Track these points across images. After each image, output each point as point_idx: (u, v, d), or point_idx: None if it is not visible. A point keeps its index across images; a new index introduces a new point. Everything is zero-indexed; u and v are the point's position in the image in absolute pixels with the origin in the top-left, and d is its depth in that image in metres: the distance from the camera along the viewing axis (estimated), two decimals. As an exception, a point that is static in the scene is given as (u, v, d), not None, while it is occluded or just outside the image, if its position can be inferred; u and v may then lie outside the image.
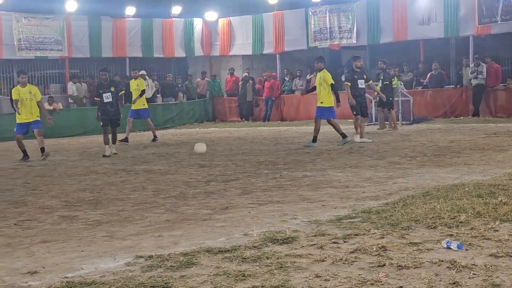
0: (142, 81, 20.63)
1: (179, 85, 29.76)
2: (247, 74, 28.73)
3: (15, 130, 15.81)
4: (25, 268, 5.60)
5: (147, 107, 20.72)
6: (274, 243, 6.03)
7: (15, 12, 25.72)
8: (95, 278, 5.11)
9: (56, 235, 6.97)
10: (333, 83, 16.29)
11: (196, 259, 5.58)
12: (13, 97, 15.64)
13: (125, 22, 28.94)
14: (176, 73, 31.44)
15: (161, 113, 27.87)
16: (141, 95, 20.01)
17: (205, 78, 30.48)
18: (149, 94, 28.01)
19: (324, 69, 16.41)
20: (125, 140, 19.60)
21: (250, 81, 28.35)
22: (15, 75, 27.82)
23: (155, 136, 20.16)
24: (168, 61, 31.53)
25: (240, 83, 29.03)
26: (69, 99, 26.75)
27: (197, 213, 7.96)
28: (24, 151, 15.78)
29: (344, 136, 16.35)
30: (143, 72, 27.74)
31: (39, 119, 15.88)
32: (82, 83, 27.28)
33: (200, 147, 15.16)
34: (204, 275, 5.09)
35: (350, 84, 17.10)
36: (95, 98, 16.83)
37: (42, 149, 15.69)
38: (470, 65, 23.39)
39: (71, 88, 26.66)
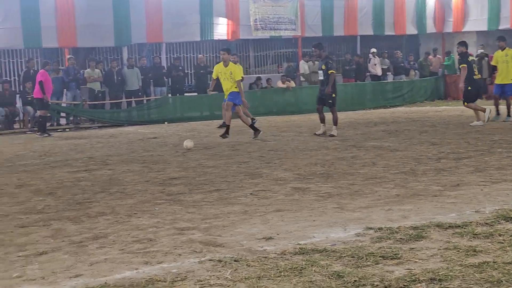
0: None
1: (411, 63, 29.38)
2: (482, 50, 27.68)
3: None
4: (261, 234, 5.90)
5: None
6: (508, 221, 5.86)
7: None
8: (326, 246, 5.29)
9: (289, 205, 7.25)
10: None
11: (425, 233, 5.57)
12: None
13: (357, 1, 29.03)
14: (407, 51, 31.04)
15: (391, 90, 27.71)
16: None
17: (437, 56, 29.82)
18: (379, 72, 28.06)
19: None
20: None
21: (486, 58, 27.29)
22: (251, 54, 29.11)
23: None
24: (399, 38, 31.19)
25: (474, 60, 28.00)
26: (301, 77, 27.40)
27: (427, 189, 7.89)
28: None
29: None
30: (374, 50, 27.81)
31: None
32: (314, 62, 27.79)
33: (188, 143, 14.04)
34: (433, 249, 5.08)
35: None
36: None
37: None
38: None
39: (303, 66, 27.29)
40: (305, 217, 6.57)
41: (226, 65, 15.71)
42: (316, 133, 15.91)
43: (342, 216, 6.54)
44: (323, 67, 15.81)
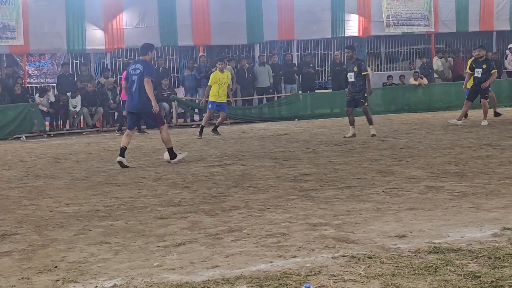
0: None
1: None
2: None
3: None
4: (394, 231, 5.87)
5: None
6: None
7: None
8: (462, 246, 5.20)
9: (423, 203, 7.17)
10: None
11: None
12: None
13: (495, -5, 28.17)
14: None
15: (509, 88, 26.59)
16: None
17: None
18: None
19: None
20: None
21: None
22: (382, 51, 28.83)
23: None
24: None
25: None
26: (434, 74, 26.86)
27: None
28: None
29: None
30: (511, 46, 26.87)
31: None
32: (448, 58, 27.22)
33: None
34: None
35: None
36: None
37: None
38: None
39: (436, 63, 26.75)
40: (439, 216, 6.48)
41: (222, 72, 17.89)
42: (346, 136, 15.70)
43: (477, 216, 6.40)
44: (355, 69, 15.74)
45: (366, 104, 15.84)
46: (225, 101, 18.23)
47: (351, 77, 15.91)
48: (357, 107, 16.07)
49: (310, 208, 7.16)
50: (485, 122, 17.44)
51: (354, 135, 15.54)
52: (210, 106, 18.04)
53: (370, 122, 15.74)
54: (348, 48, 16.35)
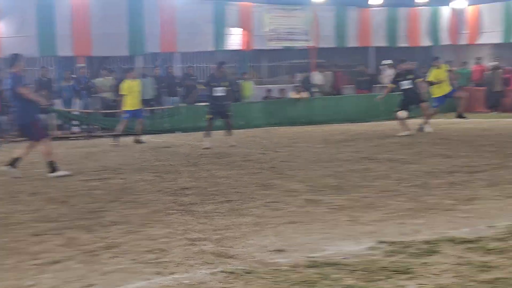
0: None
1: (425, 74, 29.25)
2: (496, 63, 27.60)
3: None
4: (273, 246, 5.90)
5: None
6: (522, 236, 5.83)
7: (266, 4, 26.82)
8: (339, 259, 5.28)
9: (302, 217, 7.25)
10: None
11: (438, 247, 5.56)
12: None
13: (371, 12, 29.05)
14: (421, 62, 30.96)
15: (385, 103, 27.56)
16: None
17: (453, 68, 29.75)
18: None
19: None
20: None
21: (500, 70, 27.19)
22: (264, 64, 29.16)
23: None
24: (412, 50, 31.16)
25: (487, 72, 27.97)
26: (315, 88, 27.38)
27: (440, 203, 7.87)
28: None
29: None
30: (388, 61, 27.79)
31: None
32: (327, 72, 27.83)
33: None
34: (446, 264, 5.07)
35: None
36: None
37: None
38: None
39: (317, 77, 27.31)
40: (318, 229, 6.57)
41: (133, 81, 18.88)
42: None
43: (354, 229, 6.53)
44: (225, 83, 17.08)
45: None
46: (139, 108, 19.40)
47: (219, 91, 16.71)
48: (223, 118, 17.04)
49: (190, 223, 7.11)
50: (429, 128, 18.33)
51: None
52: (126, 115, 18.73)
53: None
54: (219, 64, 17.24)
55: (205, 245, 6.04)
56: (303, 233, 6.41)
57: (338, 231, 6.46)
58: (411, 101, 18.73)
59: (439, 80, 18.92)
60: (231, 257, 5.56)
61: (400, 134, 17.83)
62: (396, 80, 18.86)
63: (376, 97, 19.85)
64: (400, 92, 18.78)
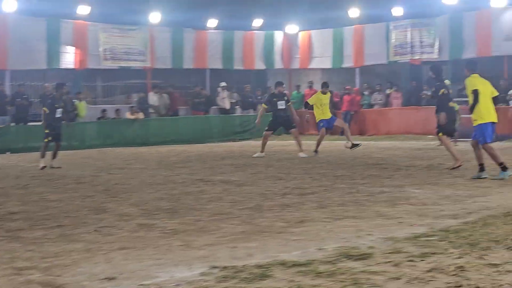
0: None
1: (259, 97, 29.88)
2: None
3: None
4: (103, 273, 5.72)
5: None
6: (349, 258, 6.00)
7: (102, 23, 26.41)
8: (171, 287, 5.20)
9: (134, 242, 7.11)
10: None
11: (270, 271, 5.60)
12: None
13: (207, 34, 29.32)
14: (255, 85, 31.64)
15: (239, 124, 28.07)
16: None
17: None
18: (227, 105, 28.36)
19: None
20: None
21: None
22: (99, 84, 28.67)
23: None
24: (248, 73, 31.76)
25: (319, 96, 28.91)
26: (150, 109, 27.22)
27: (272, 225, 7.98)
28: None
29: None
30: (223, 84, 28.13)
31: None
32: (163, 94, 27.75)
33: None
34: (277, 288, 5.11)
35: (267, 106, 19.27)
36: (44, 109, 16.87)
37: None
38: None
39: (152, 98, 27.17)
40: (150, 255, 6.45)
41: None
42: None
43: (187, 254, 6.47)
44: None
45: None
46: None
47: (59, 113, 16.44)
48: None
49: (17, 250, 6.78)
50: (303, 154, 18.19)
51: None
52: None
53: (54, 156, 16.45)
54: (59, 86, 17.07)
55: (32, 274, 5.77)
56: (135, 259, 6.27)
57: (171, 256, 6.38)
58: (282, 124, 19.32)
59: (322, 104, 18.94)
60: (59, 286, 5.34)
61: (255, 155, 18.44)
62: (270, 101, 19.28)
63: (255, 121, 19.99)
64: (272, 113, 19.42)
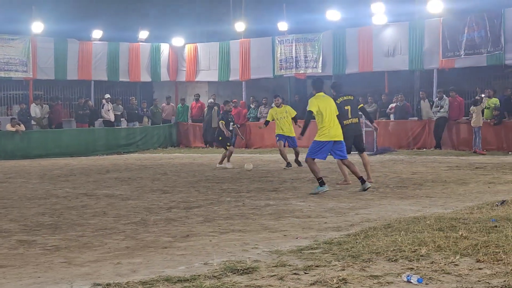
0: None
1: (144, 110, 29.61)
2: (212, 100, 28.72)
3: None
4: (-21, 294, 5.48)
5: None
6: (235, 273, 5.98)
7: (-20, 32, 25.54)
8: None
9: (13, 260, 6.84)
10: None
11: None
12: None
13: (92, 45, 28.79)
14: (141, 98, 31.33)
15: (125, 137, 27.73)
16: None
17: (170, 103, 30.41)
18: (112, 118, 27.92)
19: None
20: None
21: (216, 108, 28.30)
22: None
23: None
24: (134, 85, 31.44)
25: (205, 109, 28.99)
26: (32, 121, 26.44)
27: (157, 240, 7.87)
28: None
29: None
30: (107, 96, 27.71)
31: None
32: (44, 105, 27.03)
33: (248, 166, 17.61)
34: (162, 305, 5.03)
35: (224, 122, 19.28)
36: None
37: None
38: (434, 99, 23.71)
39: (34, 110, 26.41)
40: (30, 273, 6.22)
41: None
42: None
43: (69, 271, 6.28)
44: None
45: None
46: None
47: None
48: None
49: None
50: (229, 165, 18.60)
51: None
52: None
53: None
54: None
55: None
56: (14, 278, 6.03)
57: (52, 274, 6.17)
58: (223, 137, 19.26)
59: (277, 118, 18.65)
60: None
61: (221, 165, 18.80)
62: (225, 117, 19.40)
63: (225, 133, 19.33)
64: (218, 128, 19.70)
